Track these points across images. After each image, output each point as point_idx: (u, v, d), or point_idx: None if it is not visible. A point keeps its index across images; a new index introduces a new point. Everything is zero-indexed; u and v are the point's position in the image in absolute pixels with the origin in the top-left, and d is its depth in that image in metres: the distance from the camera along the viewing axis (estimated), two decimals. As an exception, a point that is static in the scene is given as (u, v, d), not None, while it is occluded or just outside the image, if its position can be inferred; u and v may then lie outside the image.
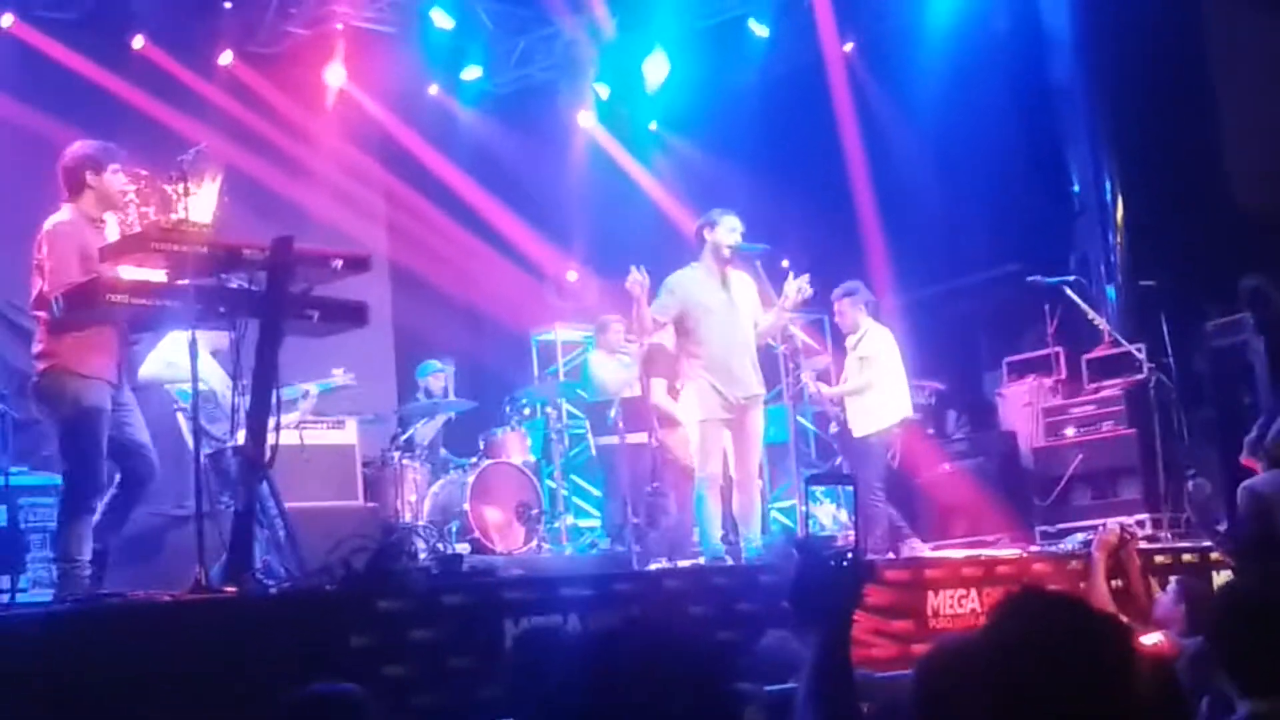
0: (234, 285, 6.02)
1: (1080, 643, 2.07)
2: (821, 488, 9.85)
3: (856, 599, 2.82)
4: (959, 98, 11.71)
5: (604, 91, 13.19)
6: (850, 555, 2.80)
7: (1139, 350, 10.17)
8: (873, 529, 9.00)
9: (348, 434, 9.08)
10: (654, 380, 9.08)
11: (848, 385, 9.38)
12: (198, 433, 6.32)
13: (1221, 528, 7.94)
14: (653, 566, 7.93)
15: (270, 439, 5.91)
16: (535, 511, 9.67)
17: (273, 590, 5.86)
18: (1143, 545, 8.17)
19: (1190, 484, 8.72)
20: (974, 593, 7.37)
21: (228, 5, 11.59)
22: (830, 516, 9.69)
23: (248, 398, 5.91)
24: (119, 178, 6.48)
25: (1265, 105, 11.39)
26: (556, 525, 10.04)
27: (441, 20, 12.05)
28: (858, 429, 9.25)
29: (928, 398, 10.99)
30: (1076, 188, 11.54)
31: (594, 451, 10.34)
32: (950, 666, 2.69)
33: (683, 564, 8.01)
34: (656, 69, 12.74)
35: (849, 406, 9.35)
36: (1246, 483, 5.99)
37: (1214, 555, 8.01)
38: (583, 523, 10.60)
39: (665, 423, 9.07)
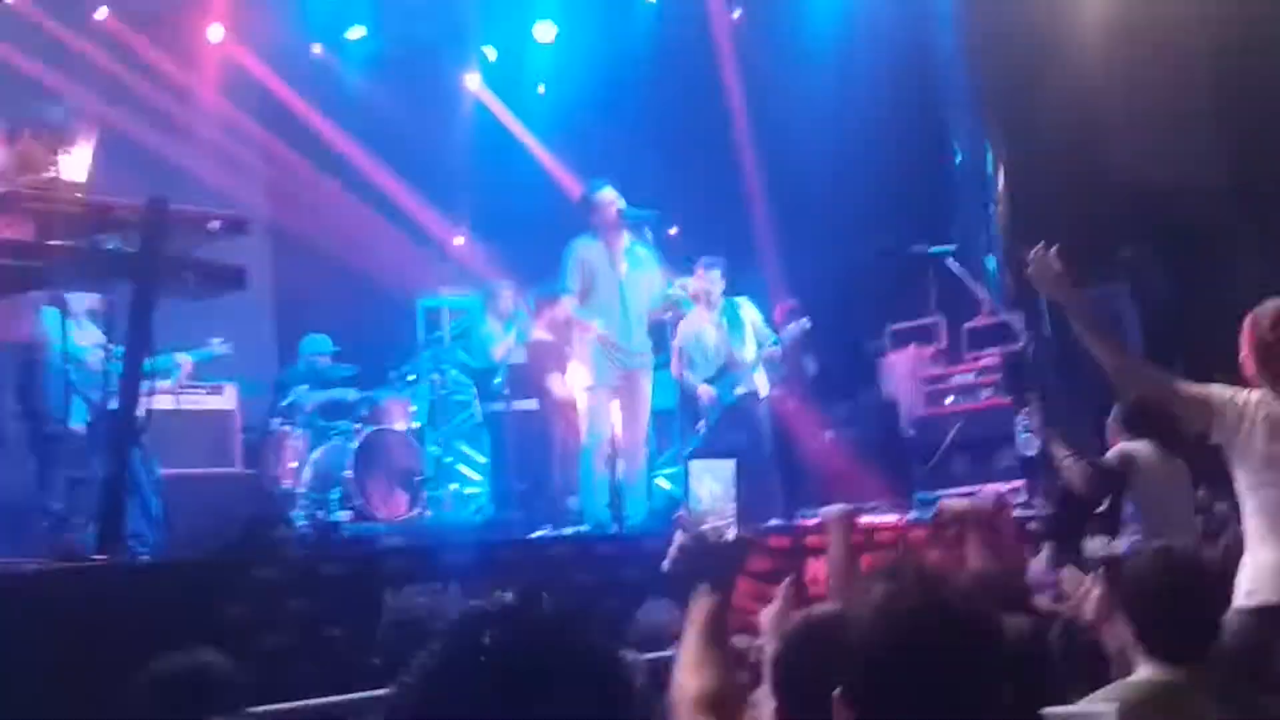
0: (107, 247, 5.87)
1: (943, 618, 2.08)
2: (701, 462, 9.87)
3: (734, 572, 2.91)
4: (845, 67, 11.76)
5: (491, 54, 13.04)
6: (729, 531, 2.90)
7: (1017, 320, 10.32)
8: (768, 494, 9.07)
9: (227, 400, 8.93)
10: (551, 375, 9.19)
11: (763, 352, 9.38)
12: (69, 397, 6.16)
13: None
14: (537, 534, 7.93)
15: (143, 405, 5.79)
16: (418, 478, 9.59)
17: (144, 558, 5.74)
18: (1017, 512, 8.31)
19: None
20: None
21: (103, -41, 11.29)
22: (709, 492, 9.70)
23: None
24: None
25: (1145, 83, 11.58)
26: (441, 492, 9.96)
27: (326, -20, 11.83)
28: (764, 391, 9.34)
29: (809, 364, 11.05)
30: (959, 158, 11.68)
31: (480, 418, 10.27)
32: (815, 637, 2.71)
33: (567, 531, 8.01)
34: (545, 33, 12.63)
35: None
36: (1124, 446, 6.30)
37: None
38: (468, 490, 10.53)
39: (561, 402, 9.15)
